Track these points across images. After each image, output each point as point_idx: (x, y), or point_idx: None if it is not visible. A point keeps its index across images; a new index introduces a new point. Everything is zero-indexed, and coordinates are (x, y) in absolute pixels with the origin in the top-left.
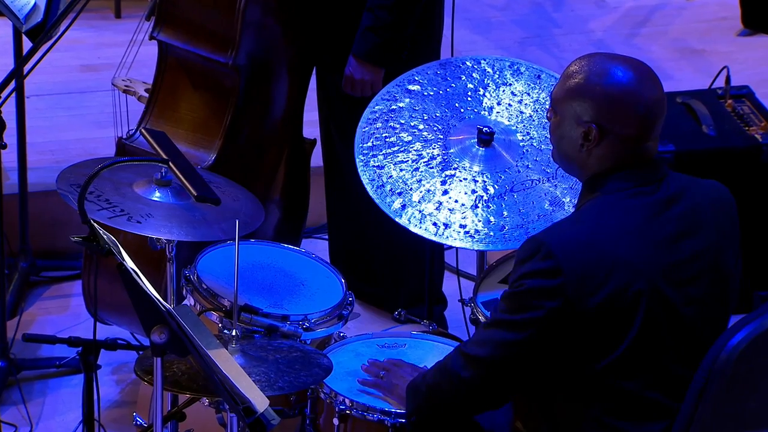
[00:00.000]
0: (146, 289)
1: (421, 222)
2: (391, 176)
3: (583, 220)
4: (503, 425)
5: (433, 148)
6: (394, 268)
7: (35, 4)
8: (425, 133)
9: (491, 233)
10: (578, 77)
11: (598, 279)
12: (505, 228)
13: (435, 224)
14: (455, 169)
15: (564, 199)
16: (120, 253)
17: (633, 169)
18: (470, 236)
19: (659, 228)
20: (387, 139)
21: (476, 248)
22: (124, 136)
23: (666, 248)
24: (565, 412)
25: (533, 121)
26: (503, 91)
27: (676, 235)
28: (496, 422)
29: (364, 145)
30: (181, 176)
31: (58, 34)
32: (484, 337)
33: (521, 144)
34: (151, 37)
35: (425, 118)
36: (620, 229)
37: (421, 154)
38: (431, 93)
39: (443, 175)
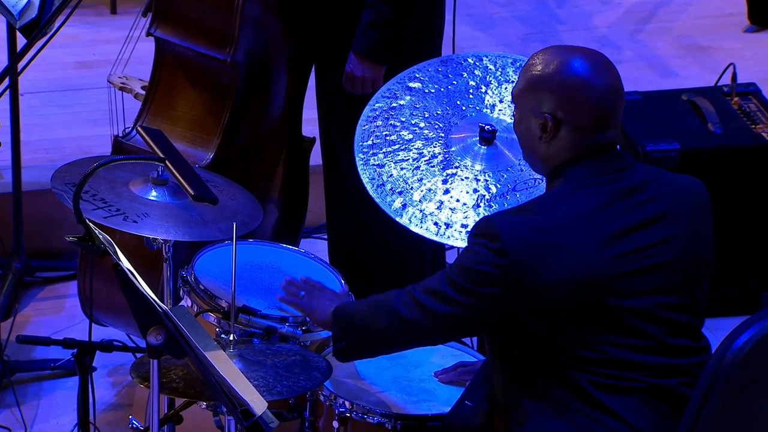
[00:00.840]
0: (143, 290)
1: (422, 222)
2: (391, 175)
3: (536, 207)
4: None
5: (435, 147)
6: (394, 269)
7: (29, 0)
8: (426, 131)
9: None
10: (533, 70)
11: (544, 264)
12: None
13: (436, 224)
14: (457, 167)
15: None
16: (116, 253)
17: (593, 159)
18: None
19: (617, 216)
20: (387, 138)
21: None
22: (120, 134)
23: (622, 237)
24: (536, 391)
25: None
26: (506, 88)
27: (635, 224)
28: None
29: (364, 143)
30: (178, 175)
31: (53, 30)
32: (435, 287)
33: None
34: (148, 34)
35: (426, 115)
36: (572, 217)
37: (422, 153)
38: (432, 90)
39: (444, 173)
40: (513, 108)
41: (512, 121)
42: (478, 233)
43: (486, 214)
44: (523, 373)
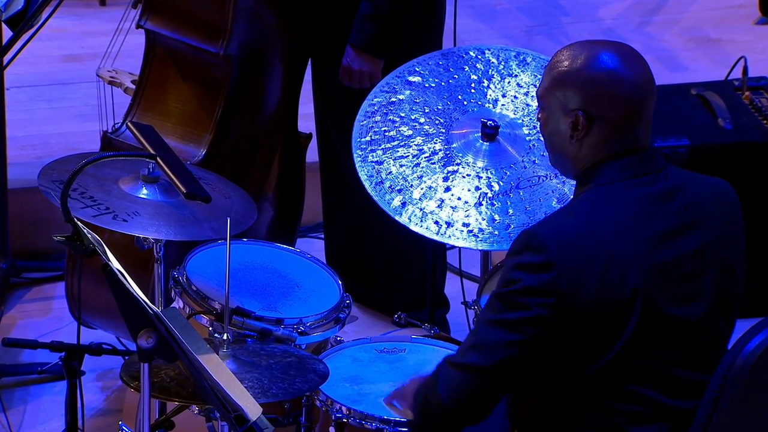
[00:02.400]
0: (133, 291)
1: (422, 220)
2: (390, 172)
3: (577, 212)
4: None
5: (435, 143)
6: (393, 269)
7: None
8: (426, 127)
9: (496, 232)
10: (560, 67)
11: (592, 272)
12: (510, 227)
13: (437, 223)
14: (458, 164)
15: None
16: (105, 253)
17: (627, 158)
18: (474, 235)
19: (657, 222)
20: (386, 134)
21: (480, 248)
22: (110, 130)
23: (663, 243)
24: (566, 417)
25: None
26: (509, 82)
27: (674, 230)
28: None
29: (362, 139)
30: (169, 172)
31: (40, 22)
32: (473, 341)
33: (528, 138)
34: (138, 26)
35: (426, 111)
36: (616, 222)
37: (422, 149)
38: (433, 84)
39: (445, 171)
40: (538, 112)
41: (515, 116)
42: (518, 249)
43: (489, 212)
44: (555, 400)
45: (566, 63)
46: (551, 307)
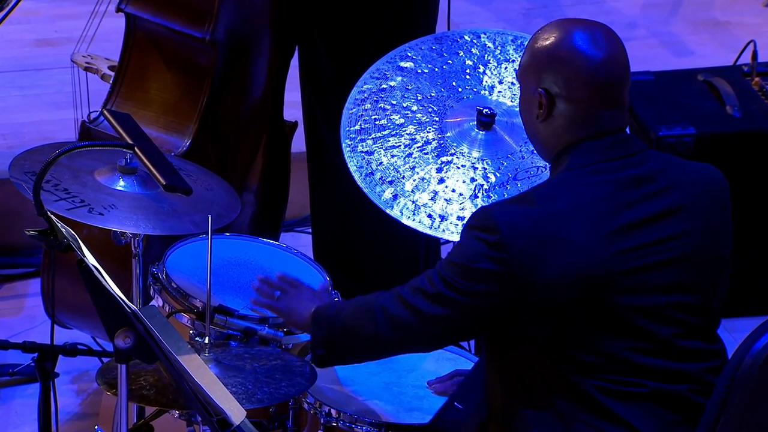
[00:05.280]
0: (110, 288)
1: (414, 214)
2: (381, 163)
3: (535, 196)
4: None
5: (428, 132)
6: (384, 265)
7: None
8: (419, 115)
9: None
10: (533, 46)
11: (543, 257)
12: None
13: (430, 216)
14: (452, 155)
15: None
16: (80, 248)
17: (597, 141)
18: None
19: (621, 208)
20: (377, 122)
21: None
22: (85, 119)
23: (627, 231)
24: (535, 402)
25: None
26: (506, 68)
27: (643, 218)
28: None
29: (352, 128)
30: (148, 163)
31: (11, 4)
32: (426, 287)
33: None
34: (119, 9)
35: (419, 98)
36: (573, 207)
37: (415, 139)
38: (426, 70)
39: (439, 161)
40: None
41: (512, 103)
42: (474, 225)
43: (484, 204)
44: (523, 380)
45: (538, 42)
46: (498, 286)
